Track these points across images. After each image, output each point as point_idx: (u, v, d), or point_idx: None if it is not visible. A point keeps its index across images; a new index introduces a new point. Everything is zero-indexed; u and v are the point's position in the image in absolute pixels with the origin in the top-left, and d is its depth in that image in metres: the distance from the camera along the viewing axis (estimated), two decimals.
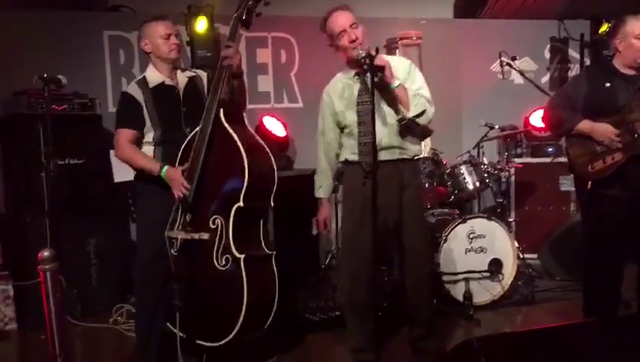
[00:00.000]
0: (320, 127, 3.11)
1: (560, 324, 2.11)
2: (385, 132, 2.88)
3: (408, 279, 3.04)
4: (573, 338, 1.90)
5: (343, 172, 3.12)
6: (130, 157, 2.94)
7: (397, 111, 2.83)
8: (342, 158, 3.07)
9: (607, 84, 3.07)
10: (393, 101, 2.82)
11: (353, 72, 2.95)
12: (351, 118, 2.94)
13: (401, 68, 2.91)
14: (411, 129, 2.86)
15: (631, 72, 3.08)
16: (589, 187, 3.06)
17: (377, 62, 2.61)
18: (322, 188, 3.16)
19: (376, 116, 2.68)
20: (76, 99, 4.20)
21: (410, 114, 2.80)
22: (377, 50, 2.67)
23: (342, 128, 3.02)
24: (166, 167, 2.88)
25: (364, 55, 2.62)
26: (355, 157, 2.96)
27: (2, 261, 4.13)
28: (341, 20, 2.85)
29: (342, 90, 2.99)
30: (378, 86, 2.68)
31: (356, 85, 2.94)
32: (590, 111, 3.05)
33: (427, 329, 3.12)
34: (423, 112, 2.83)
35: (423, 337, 3.12)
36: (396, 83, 2.77)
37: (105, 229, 4.30)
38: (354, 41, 2.81)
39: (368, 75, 2.61)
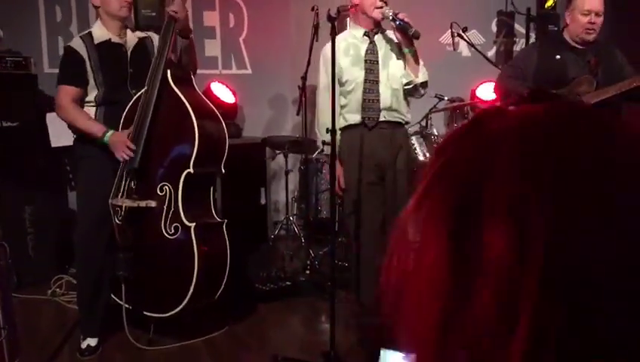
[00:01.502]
0: (324, 81, 3.05)
1: None
2: (388, 94, 2.99)
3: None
4: None
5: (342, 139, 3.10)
6: (74, 118, 2.77)
7: (406, 77, 2.98)
8: (341, 125, 3.03)
9: (558, 57, 3.09)
10: (406, 63, 2.97)
11: (362, 32, 3.02)
12: (356, 73, 2.99)
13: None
14: (412, 95, 3.07)
15: (580, 46, 3.10)
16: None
17: (407, 19, 2.79)
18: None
19: (381, 78, 2.96)
20: (9, 57, 3.90)
21: (419, 80, 2.97)
22: (338, 12, 2.66)
23: (341, 85, 3.04)
24: (110, 132, 2.72)
25: (391, 14, 2.81)
26: (356, 118, 3.00)
27: None
28: None
29: (346, 47, 3.02)
30: (400, 44, 2.93)
31: (364, 45, 3.02)
32: (540, 82, 3.05)
33: None
34: (426, 82, 3.01)
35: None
36: (414, 47, 2.92)
37: (42, 196, 4.06)
38: (383, 1, 2.89)
39: (388, 32, 2.94)
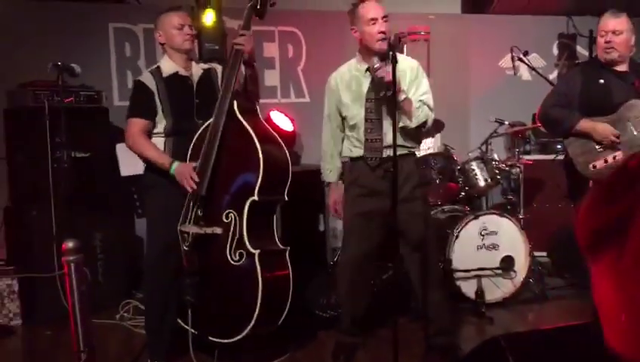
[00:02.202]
0: (327, 111, 3.11)
1: (589, 322, 2.06)
2: (391, 130, 2.86)
3: (413, 272, 3.05)
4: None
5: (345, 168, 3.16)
6: (142, 150, 2.89)
7: (400, 120, 2.85)
8: (345, 154, 3.08)
9: (601, 81, 3.06)
10: (398, 110, 2.83)
11: (365, 66, 2.93)
12: (356, 111, 2.95)
13: (408, 71, 2.92)
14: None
15: (622, 68, 3.08)
16: (590, 186, 3.02)
17: (387, 79, 2.66)
18: (332, 171, 3.15)
19: (384, 115, 2.88)
20: (83, 91, 4.12)
21: (413, 125, 2.87)
22: (399, 39, 2.64)
23: (343, 118, 3.04)
24: (176, 164, 2.82)
25: (376, 66, 2.71)
26: (359, 152, 2.98)
27: (7, 255, 4.07)
28: (376, 9, 2.84)
29: (349, 80, 2.98)
30: (385, 98, 2.82)
31: (366, 81, 2.94)
32: (587, 109, 3.04)
33: (440, 325, 3.08)
34: (424, 123, 2.90)
35: (438, 333, 3.08)
36: (402, 97, 2.78)
37: (111, 224, 4.23)
38: (382, 32, 2.80)
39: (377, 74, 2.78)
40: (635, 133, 2.95)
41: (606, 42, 3.02)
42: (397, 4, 5.57)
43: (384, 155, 2.91)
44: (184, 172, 2.80)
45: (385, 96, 2.77)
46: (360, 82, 2.94)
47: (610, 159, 2.99)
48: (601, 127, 2.99)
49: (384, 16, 2.83)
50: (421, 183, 3.17)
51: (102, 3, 4.96)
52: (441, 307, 3.09)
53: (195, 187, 2.78)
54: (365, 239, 2.96)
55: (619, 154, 2.96)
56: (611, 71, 3.07)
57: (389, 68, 2.64)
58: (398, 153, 2.89)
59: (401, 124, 2.86)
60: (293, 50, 5.36)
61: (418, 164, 3.21)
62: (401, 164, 2.94)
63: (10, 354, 3.59)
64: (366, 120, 2.91)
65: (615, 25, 3.03)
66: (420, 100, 2.87)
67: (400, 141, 2.91)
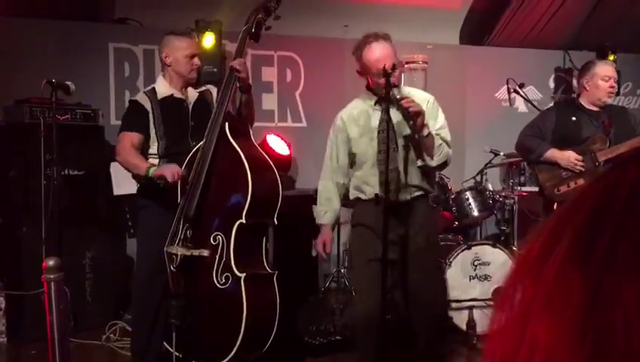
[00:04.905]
0: (330, 151, 2.95)
1: None
2: (407, 170, 2.76)
3: (418, 328, 2.92)
4: None
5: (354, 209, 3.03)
6: (125, 158, 2.87)
7: (420, 158, 2.74)
8: (352, 196, 2.94)
9: (574, 118, 3.42)
10: (418, 147, 2.72)
11: (374, 100, 2.80)
12: (364, 146, 2.79)
13: (424, 104, 2.72)
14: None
15: (595, 108, 3.40)
16: (554, 208, 3.27)
17: (415, 108, 2.53)
18: (327, 213, 2.96)
19: (401, 154, 2.75)
20: (79, 109, 4.13)
21: (434, 163, 2.72)
22: (394, 67, 2.62)
23: (353, 155, 2.87)
24: (153, 167, 2.78)
25: (398, 97, 2.56)
26: (366, 195, 2.81)
27: None
28: (382, 55, 2.66)
29: (358, 116, 2.85)
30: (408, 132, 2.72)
31: (375, 114, 2.77)
32: (558, 141, 3.39)
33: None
34: (444, 163, 2.77)
35: None
36: (426, 132, 2.62)
37: (102, 243, 4.21)
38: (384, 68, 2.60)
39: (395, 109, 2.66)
40: (597, 163, 3.27)
41: (611, 87, 3.37)
42: (395, 33, 5.63)
43: (400, 198, 2.75)
44: (164, 166, 2.74)
45: (411, 128, 2.64)
46: (368, 116, 2.81)
47: (572, 184, 3.31)
48: (565, 155, 3.32)
49: (392, 65, 2.63)
50: (436, 232, 3.13)
51: (103, 23, 5.02)
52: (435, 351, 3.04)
53: (178, 172, 2.69)
54: (377, 287, 2.65)
55: (580, 181, 3.27)
56: (585, 110, 3.40)
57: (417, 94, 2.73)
58: (414, 195, 2.78)
59: (419, 163, 2.75)
60: (292, 75, 5.40)
61: (433, 209, 3.19)
62: (417, 207, 2.82)
63: None
64: (379, 151, 2.70)
65: (615, 72, 3.44)
66: (438, 134, 2.70)
67: (416, 181, 2.79)
